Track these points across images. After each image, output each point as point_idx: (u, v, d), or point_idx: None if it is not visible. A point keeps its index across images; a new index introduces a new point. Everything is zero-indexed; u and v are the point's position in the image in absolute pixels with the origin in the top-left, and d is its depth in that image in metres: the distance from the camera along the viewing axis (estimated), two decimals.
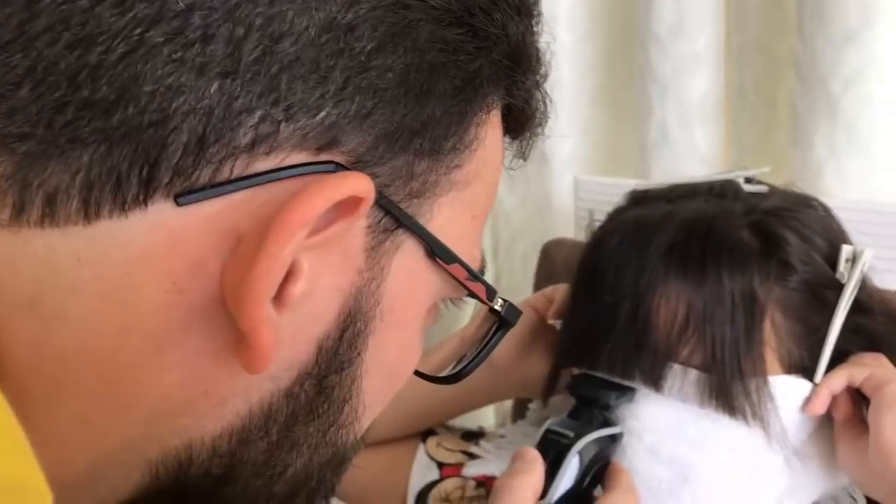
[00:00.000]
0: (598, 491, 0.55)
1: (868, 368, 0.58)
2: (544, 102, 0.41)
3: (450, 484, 0.75)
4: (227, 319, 0.30)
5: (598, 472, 0.55)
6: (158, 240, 0.28)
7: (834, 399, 0.59)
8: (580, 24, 1.09)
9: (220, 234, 0.29)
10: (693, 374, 0.56)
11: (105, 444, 0.31)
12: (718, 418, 0.56)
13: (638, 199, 0.67)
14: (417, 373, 0.42)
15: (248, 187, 0.29)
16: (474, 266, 0.38)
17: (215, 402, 0.32)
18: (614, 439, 0.57)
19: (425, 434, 0.78)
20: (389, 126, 0.31)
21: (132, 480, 0.32)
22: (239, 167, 0.29)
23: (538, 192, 1.18)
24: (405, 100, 0.31)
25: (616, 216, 0.65)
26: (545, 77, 0.39)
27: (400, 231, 0.33)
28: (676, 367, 0.57)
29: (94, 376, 0.29)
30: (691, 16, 0.94)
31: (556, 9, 1.08)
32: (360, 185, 0.30)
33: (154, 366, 0.30)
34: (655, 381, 0.57)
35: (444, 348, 0.73)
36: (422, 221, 0.34)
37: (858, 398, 0.59)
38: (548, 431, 0.56)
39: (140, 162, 0.27)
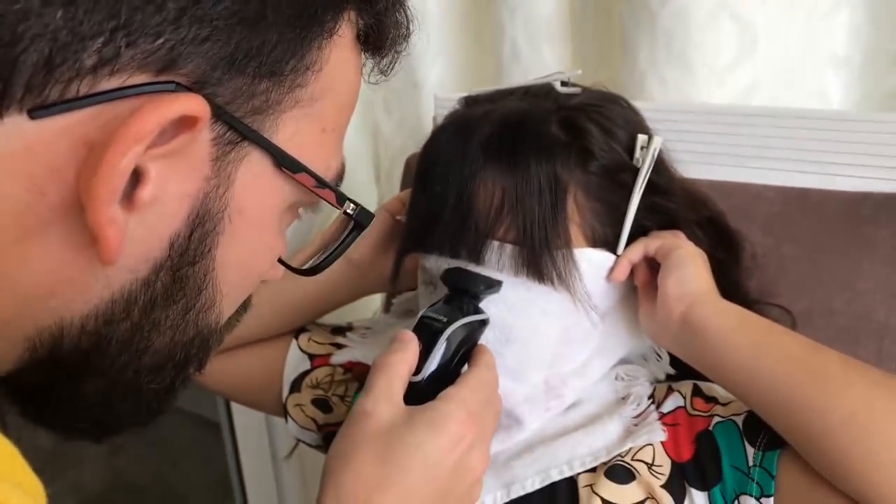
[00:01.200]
0: (464, 369, 0.60)
1: (661, 239, 0.67)
2: (406, 23, 0.46)
3: (320, 372, 0.83)
4: (83, 218, 0.34)
5: (466, 352, 0.61)
6: (17, 147, 0.32)
7: (634, 268, 0.68)
8: None
9: (74, 144, 0.33)
10: (508, 248, 0.65)
11: None
12: (531, 285, 0.65)
13: (469, 102, 0.74)
14: (281, 262, 0.49)
15: (95, 104, 0.33)
16: (329, 175, 0.43)
17: (79, 289, 0.37)
18: (482, 325, 0.63)
19: (298, 331, 0.86)
20: (225, 51, 0.35)
21: (16, 354, 0.38)
22: (86, 86, 0.32)
23: (412, 116, 1.25)
24: (239, 27, 0.35)
25: (447, 117, 0.73)
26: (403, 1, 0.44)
27: (245, 144, 0.37)
28: (495, 244, 0.65)
29: None
30: None
31: None
32: (191, 105, 0.34)
33: (18, 254, 0.34)
34: (478, 256, 0.65)
35: (308, 248, 0.80)
36: (266, 135, 0.38)
37: (656, 266, 0.68)
38: (423, 317, 0.61)
39: None
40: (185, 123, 0.34)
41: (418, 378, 0.57)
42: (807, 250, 0.73)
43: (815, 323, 0.71)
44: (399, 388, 0.55)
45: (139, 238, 0.36)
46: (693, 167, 0.76)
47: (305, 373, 0.83)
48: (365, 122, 1.41)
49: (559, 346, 0.67)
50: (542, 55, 1.06)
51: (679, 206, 0.71)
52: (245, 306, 0.48)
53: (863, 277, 0.71)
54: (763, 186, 0.77)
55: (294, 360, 0.84)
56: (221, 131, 0.36)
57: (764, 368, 0.59)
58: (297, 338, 0.85)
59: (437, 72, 1.21)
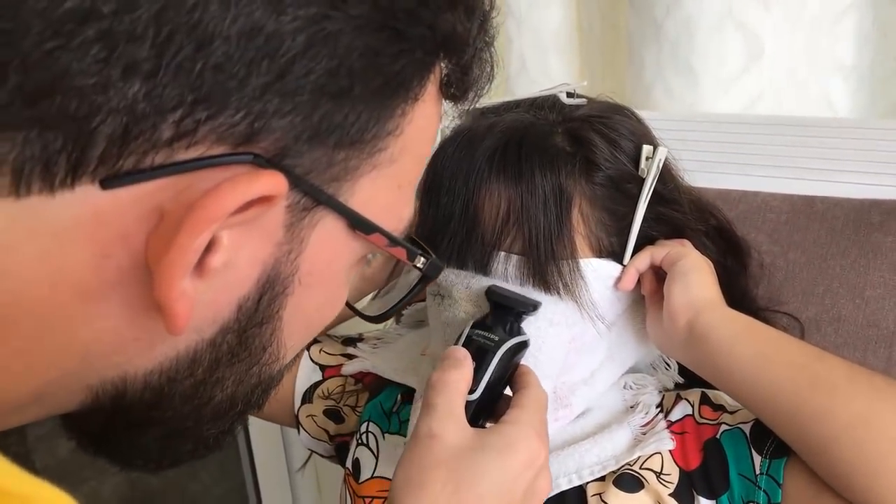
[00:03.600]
0: (506, 390, 0.60)
1: (667, 248, 0.68)
2: (491, 63, 0.43)
3: (332, 383, 0.84)
4: (151, 285, 0.33)
5: (511, 373, 0.61)
6: (85, 214, 0.31)
7: (641, 277, 0.69)
8: None
9: (145, 213, 0.32)
10: (514, 258, 0.65)
11: (48, 374, 0.35)
12: (538, 295, 0.66)
13: (475, 114, 0.75)
14: (350, 307, 0.49)
15: (170, 174, 0.32)
16: (400, 227, 0.41)
17: (144, 347, 0.36)
18: (524, 346, 0.63)
19: (309, 343, 0.86)
20: (307, 124, 0.33)
21: (76, 399, 0.38)
22: (161, 157, 0.31)
23: None
24: (324, 101, 0.33)
25: (454, 129, 0.73)
26: (490, 42, 0.41)
27: (320, 209, 0.36)
28: (501, 254, 0.66)
29: (30, 320, 0.33)
30: None
31: None
32: (271, 184, 0.33)
33: (82, 313, 0.33)
34: (484, 267, 0.66)
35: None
36: (343, 199, 0.37)
37: (663, 275, 0.68)
38: (473, 335, 0.61)
39: (68, 149, 0.30)
40: (264, 199, 0.33)
41: (473, 396, 0.56)
42: (814, 258, 0.74)
43: (823, 330, 0.71)
44: (461, 408, 0.53)
45: (207, 302, 0.35)
46: (699, 176, 0.77)
47: (317, 384, 0.84)
48: None
49: (567, 355, 0.67)
50: (549, 67, 1.07)
51: (685, 215, 0.72)
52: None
53: (871, 285, 0.71)
54: (770, 195, 0.78)
55: (306, 372, 0.85)
56: (297, 198, 0.35)
57: (768, 376, 0.59)
58: (308, 349, 0.86)
59: None
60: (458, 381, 0.54)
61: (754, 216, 0.77)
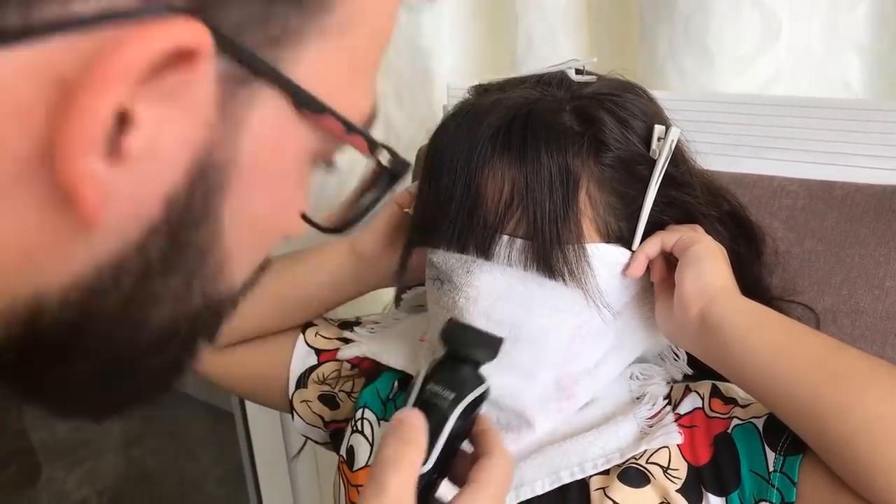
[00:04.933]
0: (465, 444, 0.54)
1: (678, 234, 0.65)
2: None
3: (327, 367, 0.82)
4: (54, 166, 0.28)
5: (469, 426, 0.54)
6: None
7: (651, 263, 0.66)
8: None
9: (42, 83, 0.27)
10: (518, 242, 0.62)
11: None
12: (542, 281, 0.62)
13: (479, 91, 0.72)
14: (305, 218, 0.40)
15: (68, 32, 0.26)
16: (359, 119, 0.35)
17: (58, 255, 0.30)
18: (482, 399, 0.55)
19: (305, 326, 0.84)
20: None
21: None
22: (55, 7, 0.26)
23: (423, 106, 1.23)
24: None
25: (456, 106, 0.70)
26: None
27: (257, 81, 0.30)
28: (504, 238, 0.63)
29: None
30: None
31: None
32: (188, 33, 0.27)
33: None
34: (486, 251, 0.63)
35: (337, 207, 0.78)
36: (284, 70, 0.30)
37: (673, 262, 0.65)
38: (426, 391, 0.53)
39: None
40: (182, 57, 0.27)
41: (426, 468, 0.50)
42: (832, 246, 0.71)
43: (839, 322, 0.69)
44: (412, 491, 0.47)
45: (127, 195, 0.29)
46: (713, 159, 0.74)
47: (312, 368, 0.82)
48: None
49: (571, 344, 0.65)
50: (557, 45, 1.03)
51: (698, 199, 0.68)
52: (263, 267, 0.40)
53: (891, 275, 0.68)
54: (786, 179, 0.74)
55: (301, 355, 0.82)
56: (228, 66, 0.29)
57: (784, 369, 0.56)
58: (303, 332, 0.83)
59: (449, 61, 1.19)
60: (412, 457, 0.48)
61: (769, 201, 0.74)
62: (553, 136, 0.62)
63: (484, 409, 0.65)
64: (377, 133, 1.14)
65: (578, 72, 0.71)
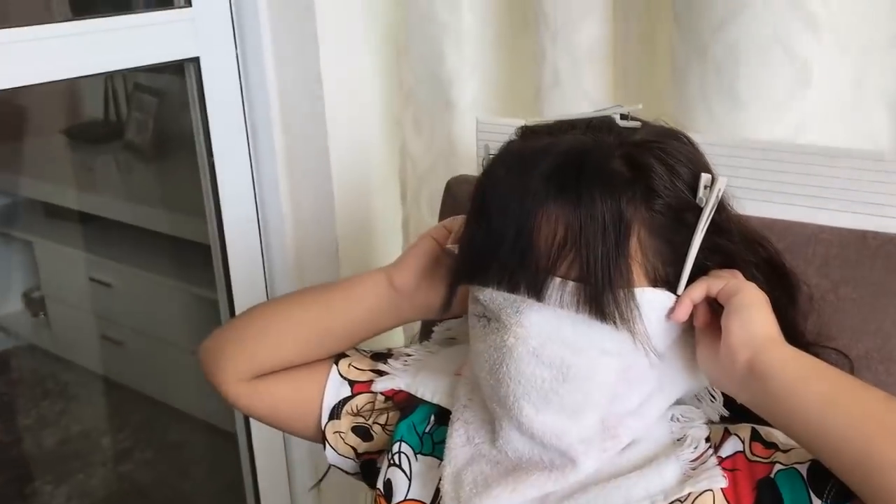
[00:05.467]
0: None
1: (723, 280, 0.66)
2: None
3: (361, 399, 0.82)
4: None
5: None
6: None
7: (695, 308, 0.67)
8: None
9: None
10: (570, 285, 0.64)
11: None
12: (592, 323, 0.64)
13: (525, 133, 0.73)
14: None
15: None
16: None
17: None
18: None
19: (338, 357, 0.84)
20: None
21: None
22: None
23: (443, 135, 1.24)
24: None
25: (504, 148, 0.72)
26: None
27: None
28: (556, 280, 0.64)
29: None
30: None
31: None
32: None
33: None
34: (538, 292, 0.64)
35: None
36: None
37: (716, 307, 0.67)
38: None
39: None
40: None
41: None
42: (865, 294, 0.73)
43: (874, 369, 0.70)
44: None
45: None
46: (745, 204, 0.75)
47: (345, 399, 0.82)
48: (392, 139, 1.40)
49: (617, 385, 0.66)
50: (582, 82, 1.05)
51: (738, 245, 0.70)
52: None
53: None
54: (818, 227, 0.76)
55: (334, 387, 0.83)
56: None
57: (835, 421, 0.58)
58: (337, 363, 0.84)
59: (470, 91, 1.20)
60: None
61: (803, 248, 0.76)
62: (606, 181, 0.63)
63: (528, 448, 0.66)
64: (393, 159, 1.16)
65: (623, 117, 0.73)
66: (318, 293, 0.82)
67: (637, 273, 0.65)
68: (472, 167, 1.18)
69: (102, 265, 2.18)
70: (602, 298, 0.63)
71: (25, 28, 1.08)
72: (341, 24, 1.29)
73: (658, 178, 0.66)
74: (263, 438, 1.51)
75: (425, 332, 0.90)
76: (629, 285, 0.64)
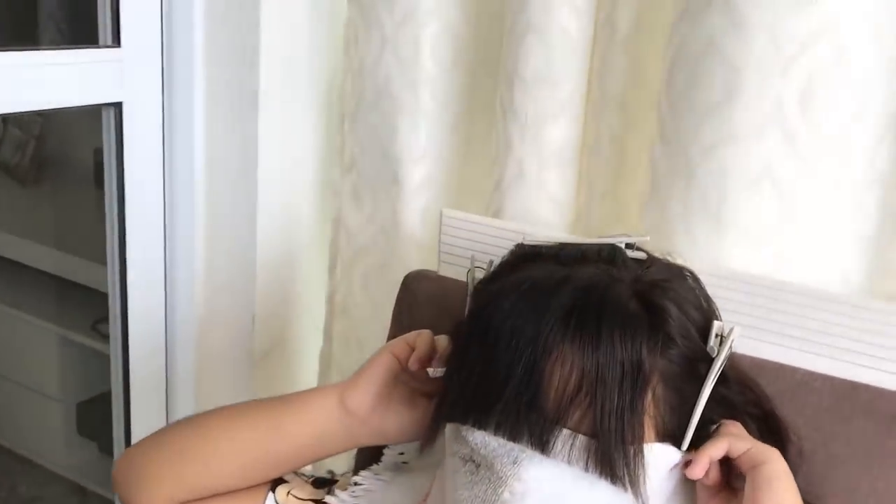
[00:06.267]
0: None
1: (746, 443, 0.61)
2: None
3: None
4: None
5: None
6: None
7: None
8: (445, 53, 1.09)
9: None
10: (581, 439, 0.57)
11: None
12: (597, 482, 0.58)
13: (527, 256, 0.67)
14: None
15: None
16: None
17: None
18: None
19: (275, 482, 0.74)
20: None
21: None
22: None
23: (386, 212, 1.17)
24: None
25: (505, 272, 0.65)
26: None
27: None
28: (565, 432, 0.57)
29: None
30: (558, 65, 0.96)
31: (421, 36, 1.07)
32: None
33: None
34: (543, 444, 0.58)
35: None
36: None
37: (724, 464, 0.62)
38: None
39: None
40: None
41: None
42: (858, 453, 0.70)
43: None
44: None
45: None
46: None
47: None
48: (326, 208, 1.31)
49: None
50: (546, 181, 1.00)
51: (738, 394, 0.66)
52: None
53: None
54: (808, 373, 0.73)
55: None
56: None
57: None
58: (273, 490, 0.74)
59: (420, 172, 1.13)
60: None
61: (793, 397, 0.72)
62: (627, 324, 0.58)
63: None
64: (325, 229, 1.08)
65: (628, 246, 0.68)
66: (264, 411, 0.72)
67: (648, 426, 0.59)
68: (423, 255, 1.11)
69: None
70: (614, 457, 0.57)
71: None
72: (286, 81, 1.20)
73: (674, 324, 0.61)
74: None
75: (374, 454, 0.80)
76: (640, 441, 0.58)
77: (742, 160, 0.81)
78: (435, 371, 0.68)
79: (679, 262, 0.70)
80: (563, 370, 0.57)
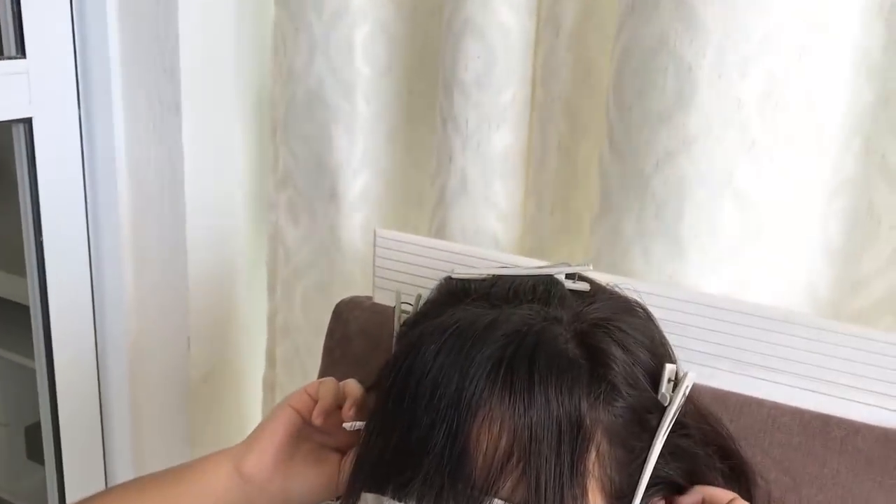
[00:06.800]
0: None
1: (729, 494, 0.56)
2: None
3: None
4: None
5: None
6: None
7: None
8: (380, 56, 1.00)
9: None
10: None
11: None
12: None
13: (455, 293, 0.59)
14: None
15: None
16: None
17: None
18: None
19: None
20: None
21: None
22: None
23: (324, 228, 1.09)
24: None
25: (431, 313, 0.57)
26: None
27: None
28: (496, 503, 0.50)
29: None
30: (499, 68, 0.88)
31: (353, 38, 0.98)
32: None
33: None
34: None
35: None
36: None
37: None
38: None
39: None
40: None
41: None
42: (833, 498, 0.63)
43: None
44: None
45: None
46: (688, 367, 0.64)
47: None
48: (261, 223, 1.23)
49: None
50: (491, 192, 0.92)
51: (697, 443, 0.59)
52: None
53: None
54: (776, 407, 0.66)
55: None
56: None
57: None
58: None
59: (360, 184, 1.05)
60: None
61: (760, 434, 0.65)
62: (563, 375, 0.50)
63: None
64: (262, 244, 0.98)
65: (569, 276, 0.60)
66: (156, 488, 0.63)
67: (592, 490, 0.52)
68: (367, 273, 1.02)
69: None
70: None
71: None
72: (211, 88, 1.11)
73: (619, 371, 0.53)
74: None
75: None
76: None
77: (702, 169, 0.74)
78: (353, 424, 0.60)
79: (627, 292, 0.62)
80: (492, 433, 0.49)
